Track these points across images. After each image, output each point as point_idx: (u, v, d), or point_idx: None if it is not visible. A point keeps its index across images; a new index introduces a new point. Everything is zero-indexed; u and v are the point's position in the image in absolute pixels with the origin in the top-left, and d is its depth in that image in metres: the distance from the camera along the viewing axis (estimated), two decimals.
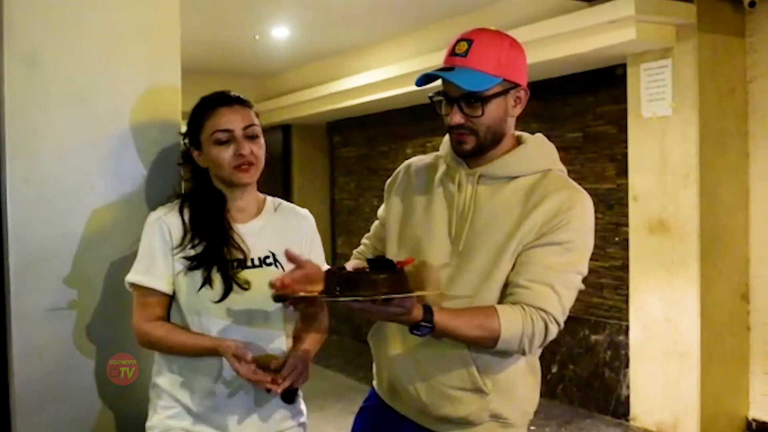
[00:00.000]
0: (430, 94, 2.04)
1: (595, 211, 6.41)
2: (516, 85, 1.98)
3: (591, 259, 6.38)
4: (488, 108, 1.93)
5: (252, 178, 2.10)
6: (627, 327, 5.50)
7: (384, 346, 2.10)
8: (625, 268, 5.56)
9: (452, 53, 1.98)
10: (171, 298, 2.10)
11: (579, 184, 6.24)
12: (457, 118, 1.94)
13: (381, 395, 2.16)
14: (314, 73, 8.47)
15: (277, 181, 10.11)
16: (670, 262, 5.14)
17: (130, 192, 2.42)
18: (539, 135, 2.14)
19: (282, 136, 9.94)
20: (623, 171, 5.56)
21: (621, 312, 5.62)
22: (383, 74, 7.11)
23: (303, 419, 2.26)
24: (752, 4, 5.00)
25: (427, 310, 1.79)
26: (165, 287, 2.07)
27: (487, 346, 1.89)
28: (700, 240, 4.98)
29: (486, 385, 1.95)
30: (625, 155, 5.50)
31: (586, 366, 5.81)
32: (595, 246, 6.34)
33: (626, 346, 5.50)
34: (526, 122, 6.50)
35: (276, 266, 2.11)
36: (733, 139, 5.13)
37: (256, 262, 2.11)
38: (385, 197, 2.24)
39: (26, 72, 2.31)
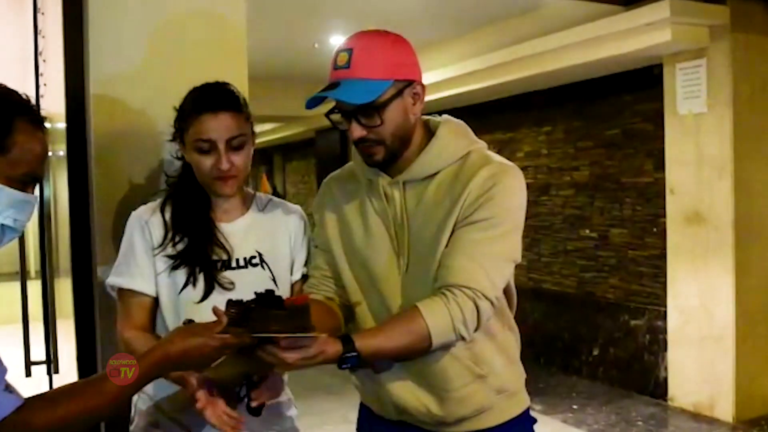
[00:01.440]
0: (326, 113, 1.85)
1: (634, 204, 6.43)
2: (410, 82, 1.77)
3: (630, 249, 6.42)
4: (386, 115, 1.73)
5: (232, 190, 1.88)
6: (665, 312, 5.47)
7: (375, 378, 1.87)
8: (662, 257, 5.54)
9: (335, 67, 1.77)
10: (156, 301, 1.90)
11: (618, 179, 6.26)
12: (357, 132, 1.75)
13: (381, 409, 1.95)
14: None
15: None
16: (706, 251, 5.11)
17: None
18: (446, 118, 1.90)
19: (339, 137, 10.06)
20: (660, 166, 5.53)
21: (659, 299, 5.60)
22: (432, 78, 7.16)
23: (292, 412, 2.08)
24: None
25: (346, 340, 1.62)
26: (147, 288, 1.88)
27: (423, 349, 1.71)
28: (734, 230, 4.94)
29: (483, 368, 1.81)
30: (662, 151, 5.47)
31: (626, 349, 5.80)
32: (634, 235, 6.37)
33: (664, 330, 5.48)
34: (569, 120, 6.53)
35: (262, 267, 1.92)
36: (766, 133, 5.08)
37: (241, 263, 1.92)
38: (315, 219, 2.00)
39: (111, 80, 2.43)
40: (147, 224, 1.91)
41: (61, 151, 2.86)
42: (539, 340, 6.56)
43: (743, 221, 4.97)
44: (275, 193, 13.43)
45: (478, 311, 1.70)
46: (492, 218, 1.72)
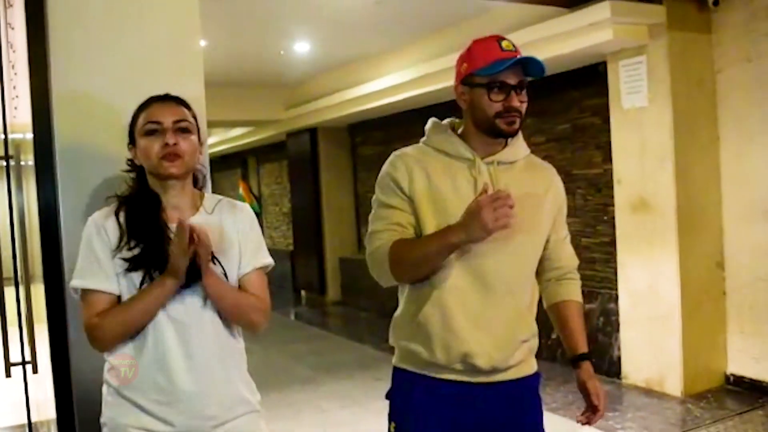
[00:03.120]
0: (486, 80, 1.98)
1: (585, 194, 6.51)
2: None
3: (583, 236, 6.48)
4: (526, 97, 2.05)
5: (179, 170, 1.89)
6: (616, 296, 5.54)
7: (453, 333, 2.01)
8: (612, 243, 5.61)
9: (504, 50, 1.98)
10: (119, 300, 1.89)
11: (570, 171, 6.36)
12: (516, 102, 1.98)
13: (437, 366, 2.05)
14: (334, 81, 8.56)
15: (307, 178, 10.24)
16: (652, 237, 5.18)
17: None
18: None
19: (309, 138, 10.07)
20: (608, 157, 5.60)
21: (611, 283, 5.67)
22: (395, 80, 7.19)
23: (256, 405, 2.06)
24: (716, 3, 5.03)
25: (584, 356, 2.21)
26: (111, 288, 1.87)
27: None
28: (677, 216, 5.01)
29: (530, 331, 2.10)
30: (609, 143, 5.54)
31: None
32: (586, 224, 6.43)
33: (616, 312, 5.54)
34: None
35: (214, 263, 1.91)
36: (704, 124, 5.15)
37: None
38: (401, 183, 2.06)
39: (74, 91, 2.42)
40: (103, 228, 1.90)
41: (30, 161, 2.85)
42: None
43: (685, 207, 5.04)
44: (257, 199, 13.44)
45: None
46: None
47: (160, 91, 2.10)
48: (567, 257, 2.22)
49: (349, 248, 9.99)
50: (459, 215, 1.91)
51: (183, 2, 2.59)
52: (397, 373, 2.17)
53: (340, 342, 7.64)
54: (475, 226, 1.84)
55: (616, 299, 5.54)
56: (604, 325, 5.68)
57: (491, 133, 2.03)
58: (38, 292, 3.22)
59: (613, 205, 5.55)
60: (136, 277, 1.86)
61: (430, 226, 2.02)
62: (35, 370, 3.49)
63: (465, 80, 2.06)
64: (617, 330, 5.53)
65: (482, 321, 2.02)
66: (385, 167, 2.14)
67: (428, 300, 2.04)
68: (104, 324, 1.84)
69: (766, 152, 4.90)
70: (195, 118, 1.99)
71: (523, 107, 2.02)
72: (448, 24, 6.46)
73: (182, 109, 1.95)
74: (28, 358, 3.47)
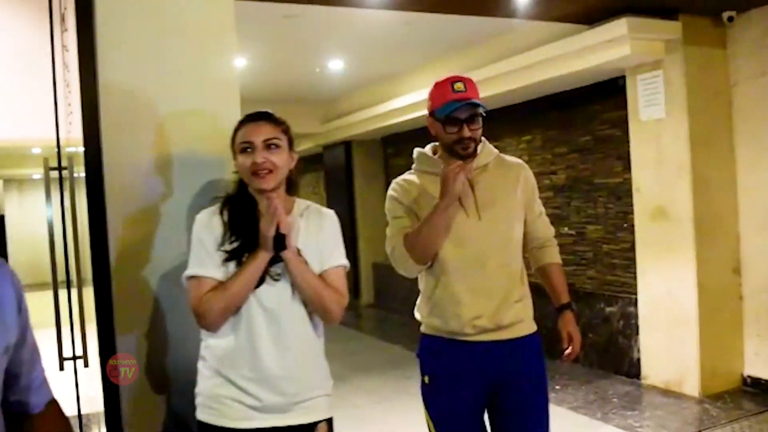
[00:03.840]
0: (446, 115, 2.45)
1: (606, 202, 6.53)
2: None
3: (604, 243, 6.57)
4: (480, 124, 2.48)
5: (268, 184, 2.05)
6: (636, 300, 5.55)
7: (459, 305, 2.46)
8: (632, 249, 5.61)
9: (456, 91, 2.44)
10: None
11: (590, 180, 6.49)
12: (467, 133, 2.44)
13: (452, 330, 2.49)
14: (367, 97, 8.68)
15: (342, 188, 10.36)
16: (670, 244, 5.19)
17: (192, 205, 2.56)
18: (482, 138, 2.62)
19: (344, 150, 10.19)
20: (628, 167, 5.61)
21: (631, 287, 5.67)
22: (423, 95, 7.26)
23: (328, 390, 2.22)
24: (731, 19, 5.03)
25: (567, 305, 2.65)
26: (217, 274, 2.04)
27: None
28: (694, 224, 5.02)
29: (523, 292, 2.54)
30: (629, 153, 5.55)
31: (603, 334, 5.87)
32: (607, 231, 6.45)
33: (636, 316, 5.54)
34: (546, 129, 6.62)
35: (299, 255, 2.09)
36: (721, 135, 5.15)
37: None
38: (400, 199, 2.58)
39: (121, 107, 2.55)
40: (210, 223, 2.10)
41: (82, 173, 2.98)
42: None
43: (702, 215, 5.04)
44: None
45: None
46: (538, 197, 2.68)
47: (198, 103, 2.38)
48: (543, 229, 2.70)
49: (382, 254, 10.01)
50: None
51: (220, 21, 2.72)
52: (425, 338, 2.60)
53: (372, 342, 7.72)
54: (447, 190, 2.34)
55: (635, 304, 5.55)
56: (624, 328, 5.69)
57: (453, 155, 2.49)
58: (88, 295, 3.37)
59: (632, 213, 5.56)
60: (233, 266, 2.05)
61: None
62: (86, 364, 3.63)
63: (430, 115, 2.55)
64: (637, 333, 5.53)
65: (481, 291, 2.47)
66: (387, 194, 2.65)
67: (438, 283, 2.51)
68: (210, 302, 2.02)
69: None
70: (287, 132, 2.15)
71: (476, 134, 2.48)
72: (473, 42, 6.53)
73: (272, 127, 2.10)
74: (79, 353, 3.62)
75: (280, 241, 2.02)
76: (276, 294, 2.07)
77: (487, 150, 2.60)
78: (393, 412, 5.07)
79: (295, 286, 2.08)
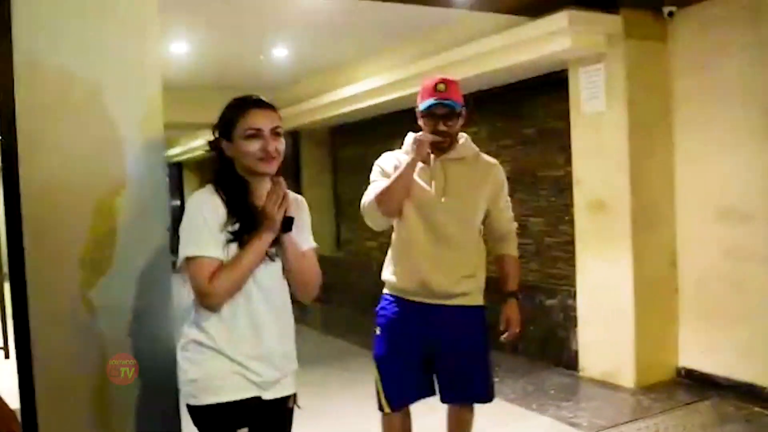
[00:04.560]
0: (425, 110, 2.98)
1: (549, 195, 6.56)
2: (463, 108, 3.02)
3: (546, 236, 6.64)
4: (457, 122, 2.99)
5: (273, 169, 2.20)
6: (575, 293, 5.62)
7: (418, 271, 2.96)
8: (573, 242, 5.68)
9: (438, 90, 2.93)
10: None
11: (534, 172, 6.60)
12: (441, 127, 2.95)
13: (406, 291, 3.01)
14: (316, 86, 8.60)
15: (289, 180, 10.26)
16: (608, 236, 5.25)
17: (115, 188, 2.56)
18: (464, 134, 3.14)
19: (292, 140, 10.11)
20: (570, 160, 5.66)
21: (571, 280, 5.73)
22: (369, 84, 7.25)
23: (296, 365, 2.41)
24: (671, 14, 5.11)
25: (512, 294, 3.13)
26: (221, 254, 2.11)
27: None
28: (631, 216, 5.09)
29: (475, 268, 3.02)
30: (571, 146, 5.61)
31: (543, 327, 5.93)
32: (549, 224, 6.49)
33: (575, 309, 5.62)
34: (492, 122, 6.66)
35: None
36: (660, 127, 5.23)
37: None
38: (384, 167, 3.06)
39: (39, 89, 2.48)
40: (212, 203, 2.15)
41: None
42: None
43: (640, 208, 5.12)
44: None
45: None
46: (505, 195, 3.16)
47: (118, 85, 2.43)
48: (504, 223, 3.15)
49: (328, 247, 10.02)
50: (420, 191, 2.98)
51: (142, 1, 2.66)
52: (383, 297, 3.10)
53: (316, 337, 7.69)
54: (416, 150, 2.91)
55: (574, 296, 5.62)
56: (563, 320, 5.76)
57: (432, 145, 2.97)
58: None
59: (573, 206, 5.62)
60: (234, 248, 2.13)
61: None
62: (7, 356, 3.56)
63: (419, 110, 3.02)
64: (575, 326, 5.61)
65: (436, 261, 2.95)
66: (374, 163, 3.10)
67: (401, 249, 3.05)
68: (216, 284, 2.09)
69: (718, 157, 4.97)
70: (280, 118, 2.27)
71: (452, 129, 2.97)
72: (417, 32, 6.53)
73: (276, 114, 2.23)
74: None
75: (288, 223, 2.18)
76: (270, 273, 2.21)
77: (467, 145, 3.10)
78: (334, 405, 5.05)
79: (286, 265, 2.23)
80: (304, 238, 2.34)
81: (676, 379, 5.25)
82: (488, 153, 6.66)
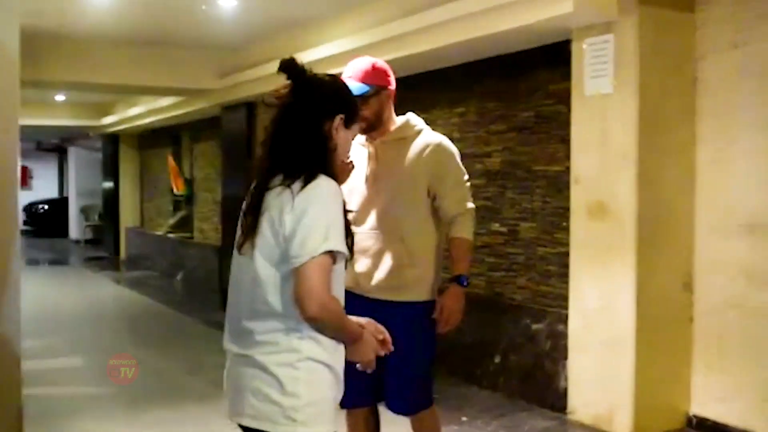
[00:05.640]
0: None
1: (545, 195, 6.52)
2: (383, 88, 3.46)
3: (539, 245, 6.65)
4: (369, 105, 3.38)
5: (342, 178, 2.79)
6: (566, 316, 5.59)
7: (355, 260, 3.32)
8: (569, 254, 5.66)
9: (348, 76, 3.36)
10: None
11: (530, 167, 6.68)
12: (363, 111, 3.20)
13: (352, 286, 3.22)
14: (274, 48, 8.55)
15: (241, 162, 10.25)
16: (608, 247, 5.22)
17: None
18: (409, 114, 3.64)
19: (246, 114, 10.08)
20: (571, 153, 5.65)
21: (564, 300, 5.70)
22: (339, 48, 7.24)
23: None
24: None
25: (459, 279, 3.55)
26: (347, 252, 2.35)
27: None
28: (637, 225, 5.05)
29: (413, 260, 3.45)
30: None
31: (528, 357, 5.91)
32: (544, 231, 6.46)
33: (565, 336, 5.58)
34: (483, 101, 6.65)
35: None
36: (679, 119, 5.20)
37: None
38: None
39: None
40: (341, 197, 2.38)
41: None
42: (444, 347, 6.62)
43: (649, 216, 5.08)
44: (188, 182, 13.39)
45: None
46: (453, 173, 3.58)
47: None
48: (452, 205, 3.52)
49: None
50: (353, 180, 3.38)
51: None
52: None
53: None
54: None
55: (566, 320, 5.59)
56: (551, 350, 5.75)
57: None
58: None
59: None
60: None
61: None
62: None
63: None
64: (565, 357, 5.59)
65: (375, 255, 3.43)
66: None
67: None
68: (330, 308, 2.28)
69: (750, 156, 4.94)
70: None
71: (366, 113, 3.31)
72: None
73: None
74: None
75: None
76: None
77: (407, 125, 3.56)
78: None
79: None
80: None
81: (685, 430, 5.22)
82: (478, 139, 6.69)
